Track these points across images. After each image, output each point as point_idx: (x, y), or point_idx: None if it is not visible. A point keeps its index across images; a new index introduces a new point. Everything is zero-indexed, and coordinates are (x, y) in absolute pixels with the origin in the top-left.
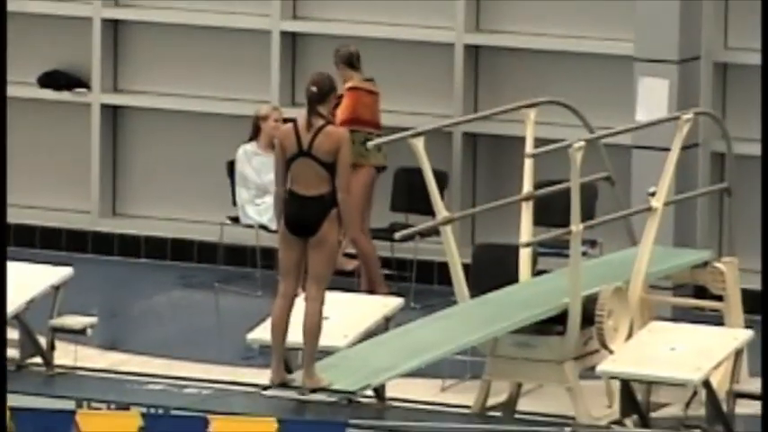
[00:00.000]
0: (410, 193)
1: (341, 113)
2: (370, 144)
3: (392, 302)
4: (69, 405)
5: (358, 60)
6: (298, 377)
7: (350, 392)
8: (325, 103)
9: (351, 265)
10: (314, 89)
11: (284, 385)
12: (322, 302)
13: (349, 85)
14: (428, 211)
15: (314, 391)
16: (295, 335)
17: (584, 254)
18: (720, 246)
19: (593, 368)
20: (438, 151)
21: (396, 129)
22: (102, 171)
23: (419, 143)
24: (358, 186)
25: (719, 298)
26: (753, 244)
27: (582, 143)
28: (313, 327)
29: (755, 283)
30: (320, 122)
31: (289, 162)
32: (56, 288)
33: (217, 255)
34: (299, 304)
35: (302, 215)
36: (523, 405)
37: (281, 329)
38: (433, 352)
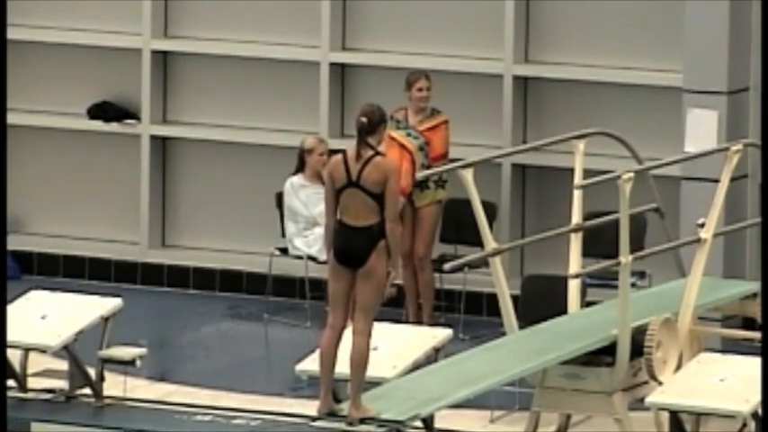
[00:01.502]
0: (459, 225)
1: (440, 149)
2: (420, 176)
3: (441, 334)
4: None
5: None
6: (346, 407)
7: (398, 422)
8: (375, 134)
9: (390, 292)
10: (364, 120)
11: (332, 415)
12: (369, 335)
13: (446, 118)
14: (477, 242)
15: (362, 421)
16: (343, 366)
17: (633, 285)
18: None
19: (642, 399)
20: (487, 182)
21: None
22: (151, 202)
23: (468, 174)
24: (437, 222)
25: None
26: None
27: (631, 174)
28: (360, 359)
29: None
30: (369, 153)
31: (338, 193)
32: (105, 319)
33: (266, 286)
34: (348, 335)
35: (350, 246)
36: None
37: (329, 360)
38: (483, 382)
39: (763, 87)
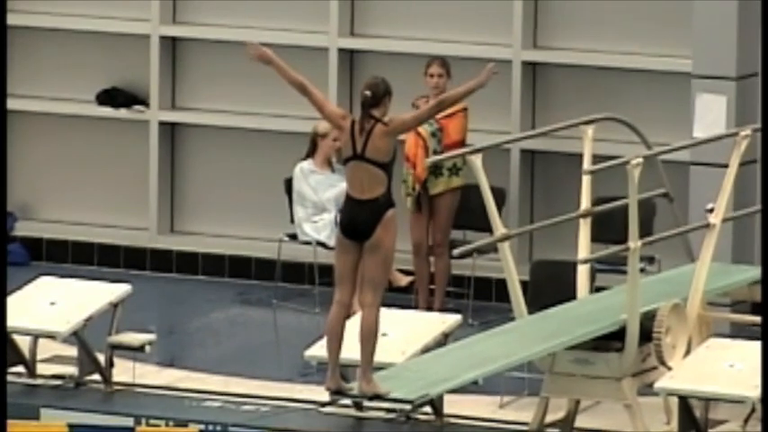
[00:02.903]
0: (468, 210)
1: (456, 136)
2: (429, 161)
3: (450, 319)
4: (128, 422)
5: None
6: (355, 387)
7: (408, 401)
8: (379, 107)
9: (405, 281)
10: (368, 93)
11: (340, 393)
12: (378, 308)
13: (464, 105)
14: (486, 227)
15: (372, 398)
16: (350, 351)
17: (642, 270)
18: None
19: (651, 385)
20: (496, 168)
21: None
22: (160, 188)
23: (477, 160)
24: (452, 210)
25: None
26: None
27: (640, 160)
28: (370, 333)
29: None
30: (372, 123)
31: (345, 162)
32: (114, 305)
33: (274, 272)
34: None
35: (356, 218)
36: (581, 422)
37: (336, 336)
38: (492, 365)
39: (763, 89)
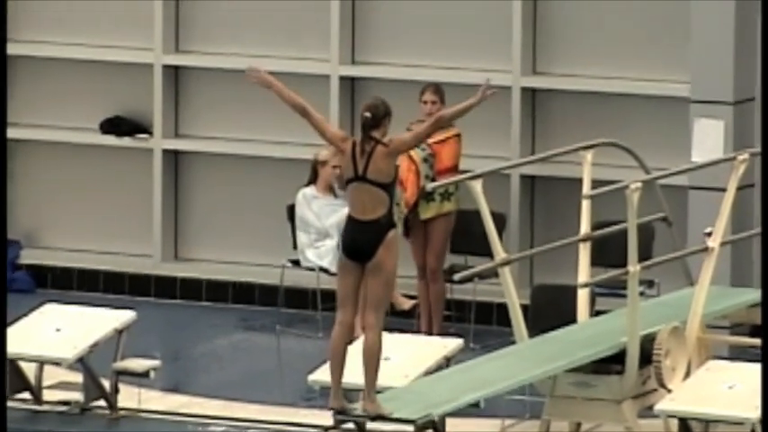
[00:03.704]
0: (469, 235)
1: (448, 161)
2: (430, 186)
3: (452, 343)
4: None
5: None
6: (358, 407)
7: (410, 421)
8: (379, 128)
9: (408, 304)
10: (368, 115)
11: (344, 412)
12: (381, 329)
13: (457, 131)
14: (487, 252)
15: (375, 418)
16: (353, 375)
17: (641, 294)
18: None
19: (651, 407)
20: (496, 193)
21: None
22: (163, 215)
23: (477, 185)
24: (446, 235)
25: None
26: None
27: (638, 184)
28: (373, 354)
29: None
30: (372, 145)
31: (346, 183)
32: (119, 332)
33: (278, 297)
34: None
35: (358, 239)
36: None
37: (339, 356)
38: (493, 387)
39: (763, 89)
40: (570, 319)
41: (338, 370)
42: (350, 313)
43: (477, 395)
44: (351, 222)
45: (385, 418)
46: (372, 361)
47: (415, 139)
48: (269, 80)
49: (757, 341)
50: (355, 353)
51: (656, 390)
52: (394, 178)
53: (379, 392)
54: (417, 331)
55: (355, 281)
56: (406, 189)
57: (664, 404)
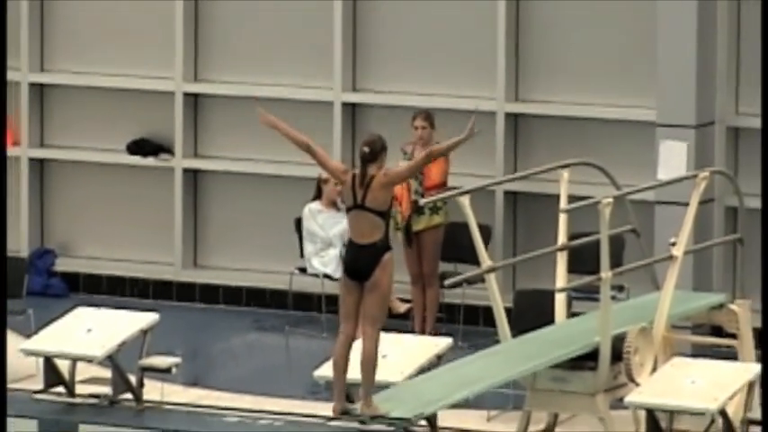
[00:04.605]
0: (458, 245)
1: (437, 179)
2: (422, 202)
3: (443, 342)
4: None
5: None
6: (359, 407)
7: (405, 419)
8: (376, 162)
9: (403, 308)
10: (366, 150)
11: (346, 413)
12: (377, 340)
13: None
14: (474, 260)
15: (373, 418)
16: (355, 372)
17: (613, 298)
18: (734, 290)
19: (621, 399)
20: (482, 208)
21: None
22: (184, 227)
23: (465, 201)
24: (436, 245)
25: (734, 336)
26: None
27: (610, 199)
28: (370, 363)
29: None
30: (370, 177)
31: (347, 210)
32: (144, 332)
33: (287, 301)
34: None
35: (357, 262)
36: None
37: (341, 364)
38: (479, 384)
39: (763, 90)
40: (549, 320)
41: (341, 377)
42: (351, 326)
43: (464, 393)
44: (351, 246)
45: (383, 417)
46: (369, 368)
47: (409, 171)
48: (274, 122)
49: (717, 340)
50: (357, 353)
51: (626, 384)
52: (390, 206)
53: (379, 388)
54: (412, 332)
55: (356, 298)
56: (401, 203)
57: (633, 397)
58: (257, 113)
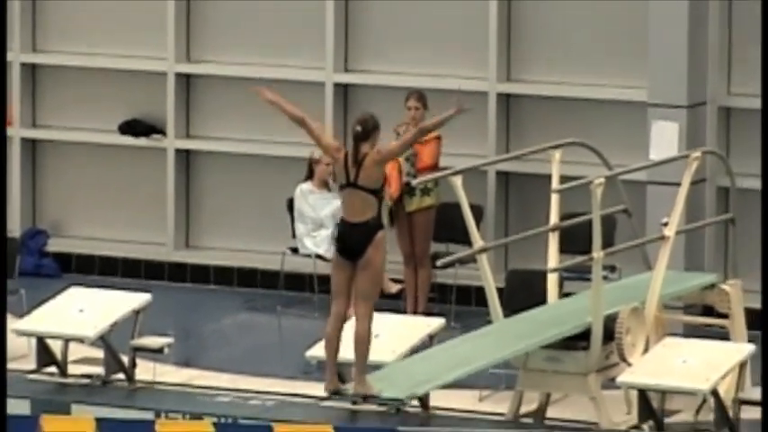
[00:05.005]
0: (450, 226)
1: (428, 160)
2: (415, 182)
3: (435, 322)
4: (149, 416)
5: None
6: (351, 387)
7: (398, 400)
8: (368, 140)
9: (395, 288)
10: (359, 129)
11: (338, 393)
12: (370, 319)
13: (438, 134)
14: (466, 241)
15: (365, 398)
16: (347, 351)
17: (604, 278)
18: (726, 270)
19: (613, 379)
20: (474, 188)
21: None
22: (176, 208)
23: (457, 181)
24: (428, 226)
25: (725, 316)
26: (755, 268)
27: (602, 180)
28: (362, 342)
29: (757, 303)
30: (362, 155)
31: (340, 188)
32: (136, 312)
33: (278, 281)
34: (350, 322)
35: (349, 240)
36: (552, 413)
37: (333, 344)
38: (472, 365)
39: (763, 88)
40: (541, 300)
41: (333, 357)
42: (342, 305)
43: (457, 374)
44: (343, 224)
45: (375, 398)
46: (362, 348)
47: (401, 147)
48: (271, 98)
49: (709, 320)
50: (349, 333)
51: (617, 364)
52: (382, 184)
53: (372, 368)
54: (404, 312)
55: (347, 276)
56: (391, 185)
57: (625, 377)
58: (257, 91)
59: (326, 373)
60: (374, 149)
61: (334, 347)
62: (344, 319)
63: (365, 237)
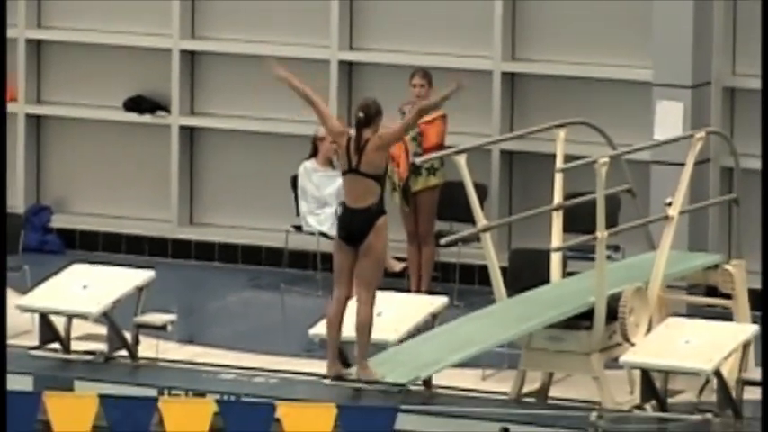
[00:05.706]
0: (454, 204)
1: (434, 140)
2: (419, 161)
3: (438, 301)
4: (152, 393)
5: None
6: (353, 371)
7: (401, 385)
8: (371, 126)
9: (399, 266)
10: (361, 115)
11: (340, 378)
12: (372, 304)
13: (443, 113)
14: (470, 220)
15: (368, 383)
16: (350, 330)
17: (608, 257)
18: (729, 250)
19: (616, 359)
20: (478, 167)
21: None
22: (180, 185)
23: (462, 160)
24: (432, 206)
25: (729, 296)
26: (758, 248)
27: (606, 159)
28: (364, 326)
29: (760, 283)
30: (364, 141)
31: (342, 174)
32: (140, 289)
33: (282, 259)
34: (353, 304)
35: (351, 225)
36: (555, 392)
37: (335, 329)
38: (475, 346)
39: (763, 86)
40: (544, 279)
41: (335, 341)
42: (344, 289)
43: (460, 356)
44: (345, 209)
45: (378, 382)
46: (364, 332)
47: (403, 129)
48: (282, 74)
49: (712, 300)
50: (352, 314)
51: (620, 344)
52: (384, 170)
53: (373, 348)
54: (407, 290)
55: (349, 260)
56: (399, 165)
57: (628, 356)
58: (268, 65)
59: (328, 357)
60: (377, 135)
61: (335, 333)
62: (346, 303)
63: (367, 223)
